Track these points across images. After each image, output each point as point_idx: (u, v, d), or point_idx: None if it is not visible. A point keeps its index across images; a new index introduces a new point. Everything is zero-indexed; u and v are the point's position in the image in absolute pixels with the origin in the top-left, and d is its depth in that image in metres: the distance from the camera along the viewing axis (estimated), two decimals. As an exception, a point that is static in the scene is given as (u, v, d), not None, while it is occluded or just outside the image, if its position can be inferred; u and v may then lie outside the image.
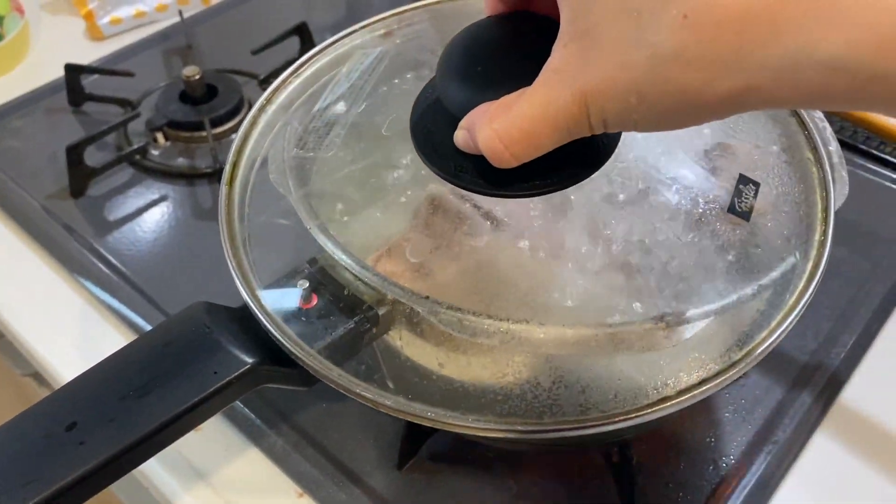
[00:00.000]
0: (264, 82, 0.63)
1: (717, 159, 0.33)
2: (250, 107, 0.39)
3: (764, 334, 0.29)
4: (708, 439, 0.42)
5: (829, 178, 0.33)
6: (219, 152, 0.58)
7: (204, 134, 0.59)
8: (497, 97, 0.27)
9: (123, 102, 0.63)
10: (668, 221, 0.31)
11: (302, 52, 0.66)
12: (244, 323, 0.32)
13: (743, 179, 0.31)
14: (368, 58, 0.38)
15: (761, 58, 0.20)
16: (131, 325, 0.48)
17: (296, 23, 0.66)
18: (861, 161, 0.56)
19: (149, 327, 0.47)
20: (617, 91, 0.22)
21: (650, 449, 0.41)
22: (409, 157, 0.32)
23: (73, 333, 0.48)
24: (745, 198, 0.31)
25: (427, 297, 0.31)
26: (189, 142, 0.60)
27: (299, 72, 0.40)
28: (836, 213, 0.36)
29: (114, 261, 0.52)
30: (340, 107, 0.36)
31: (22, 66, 0.70)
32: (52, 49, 0.72)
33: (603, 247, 0.31)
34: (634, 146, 0.33)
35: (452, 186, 0.29)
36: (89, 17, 0.71)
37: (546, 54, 0.27)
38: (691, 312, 0.29)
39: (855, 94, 0.21)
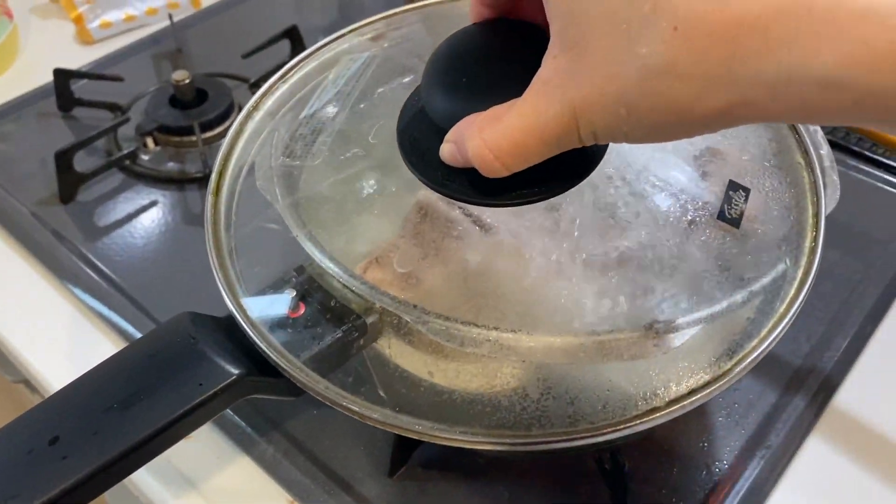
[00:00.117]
0: (255, 86, 0.63)
1: (707, 165, 0.33)
2: (240, 110, 0.39)
3: (754, 342, 0.29)
4: (701, 444, 0.42)
5: (820, 182, 0.33)
6: (208, 157, 0.57)
7: (194, 138, 0.58)
8: (482, 108, 0.26)
9: (113, 107, 0.62)
10: (658, 228, 0.31)
11: (293, 55, 0.66)
12: (231, 333, 0.32)
13: (733, 185, 0.31)
14: (355, 63, 0.37)
15: (753, 72, 0.20)
16: (121, 333, 0.47)
17: (286, 26, 0.66)
18: (854, 162, 0.56)
19: (138, 334, 0.47)
20: (606, 103, 0.22)
21: (643, 454, 0.41)
22: (396, 165, 0.31)
23: (62, 341, 0.48)
24: (735, 204, 0.31)
25: (415, 307, 0.30)
26: (179, 146, 0.59)
27: (286, 77, 0.40)
28: (828, 215, 0.35)
29: (103, 267, 0.52)
30: (327, 114, 0.36)
31: (11, 70, 0.69)
32: (41, 53, 0.71)
33: (592, 254, 0.31)
34: (624, 152, 0.32)
35: None
36: (79, 20, 0.71)
37: (530, 64, 0.27)
38: (681, 320, 0.29)
39: (850, 111, 0.20)
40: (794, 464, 0.41)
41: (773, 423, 0.42)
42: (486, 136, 0.25)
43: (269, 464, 0.41)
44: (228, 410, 0.42)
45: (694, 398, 0.28)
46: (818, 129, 0.37)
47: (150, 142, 0.59)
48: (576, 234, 0.31)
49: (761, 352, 0.29)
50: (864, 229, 0.52)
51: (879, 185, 0.55)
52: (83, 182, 0.56)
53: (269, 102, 0.39)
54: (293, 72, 0.40)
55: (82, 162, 0.57)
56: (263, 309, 0.32)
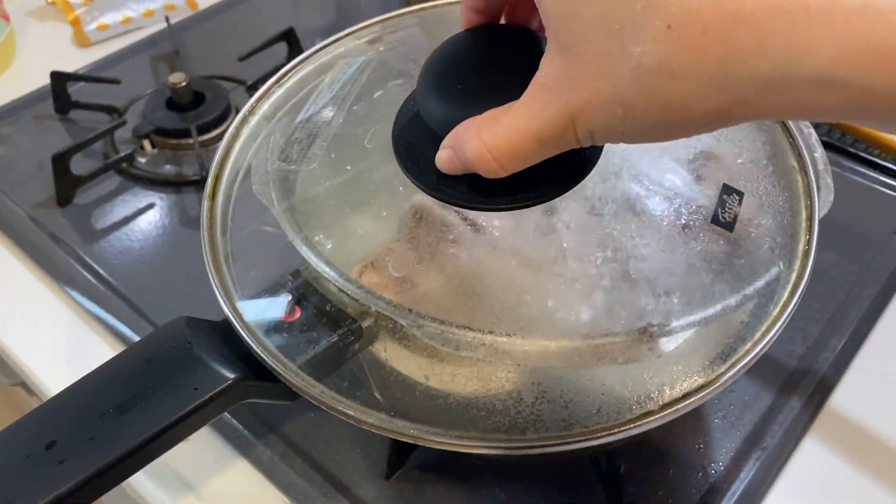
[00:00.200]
0: (252, 88, 0.63)
1: (701, 168, 0.33)
2: (237, 113, 0.39)
3: (748, 346, 0.29)
4: (697, 446, 0.42)
5: (814, 186, 0.33)
6: (205, 159, 0.57)
7: (191, 141, 0.58)
8: (477, 114, 0.27)
9: (110, 109, 0.62)
10: (652, 232, 0.31)
11: (290, 57, 0.66)
12: (227, 337, 0.32)
13: (727, 189, 0.31)
14: (351, 68, 0.38)
15: (748, 71, 0.20)
16: (118, 335, 0.47)
17: (283, 28, 0.66)
18: (850, 164, 0.56)
19: (136, 337, 0.47)
20: (602, 103, 0.22)
21: (639, 456, 0.41)
22: (391, 169, 0.31)
23: (59, 343, 0.48)
24: (729, 208, 0.31)
25: (410, 311, 0.31)
26: (176, 149, 0.59)
27: (282, 81, 0.40)
28: (824, 216, 0.35)
29: (100, 270, 0.52)
30: (323, 118, 0.36)
31: (8, 72, 0.69)
32: (38, 56, 0.71)
33: (586, 258, 0.31)
34: (618, 155, 0.33)
35: None
36: (76, 23, 0.71)
37: (525, 69, 0.27)
38: (675, 324, 0.29)
39: (847, 108, 0.20)
40: (789, 465, 0.41)
41: (768, 425, 0.42)
42: (485, 138, 0.25)
43: (266, 467, 0.41)
44: (226, 413, 0.42)
45: (687, 402, 0.28)
46: (812, 131, 0.37)
47: (146, 144, 0.59)
48: (570, 237, 0.31)
49: (755, 355, 0.29)
50: (860, 230, 0.52)
51: (875, 186, 0.55)
52: (80, 185, 0.56)
53: (266, 106, 0.39)
54: (289, 76, 0.40)
55: (79, 165, 0.57)
56: (259, 313, 0.32)
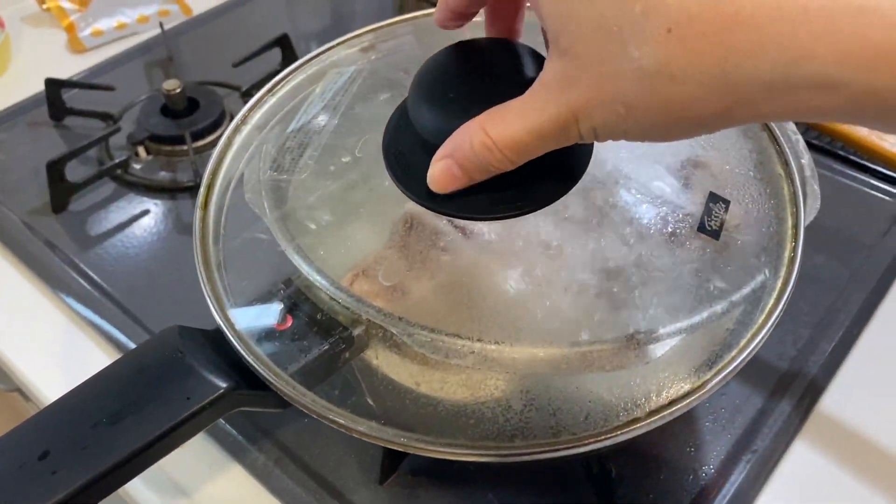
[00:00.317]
0: (246, 94, 0.63)
1: (689, 175, 0.34)
2: (232, 119, 0.39)
3: (734, 353, 0.29)
4: (688, 449, 0.42)
5: (800, 193, 0.33)
6: (199, 166, 0.58)
7: (185, 147, 0.59)
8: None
9: (105, 116, 0.63)
10: (640, 240, 0.31)
11: (283, 63, 0.66)
12: (219, 346, 0.32)
13: (713, 197, 0.32)
14: (342, 77, 0.38)
15: (748, 73, 0.20)
16: (113, 342, 0.48)
17: (277, 34, 0.66)
18: (840, 167, 0.57)
19: (131, 344, 0.47)
20: (605, 101, 0.22)
21: (631, 459, 0.41)
22: (382, 178, 0.32)
23: (55, 350, 0.48)
24: (715, 216, 0.31)
25: (401, 319, 0.31)
26: (171, 155, 0.60)
27: (275, 90, 0.40)
28: (814, 221, 0.36)
29: (95, 277, 0.52)
30: (314, 127, 0.36)
31: (3, 79, 0.70)
32: (33, 62, 0.71)
33: (575, 266, 0.31)
34: (607, 163, 0.33)
35: None
36: (71, 29, 0.71)
37: (514, 79, 0.28)
38: (661, 331, 0.29)
39: (848, 109, 0.20)
40: (779, 468, 0.41)
41: (759, 428, 0.42)
42: (490, 132, 0.25)
43: (260, 472, 0.41)
44: (220, 419, 0.42)
45: (673, 409, 0.28)
46: (800, 137, 0.38)
47: (141, 151, 0.59)
48: (558, 246, 0.31)
49: (740, 362, 0.29)
50: (849, 234, 0.53)
51: (865, 189, 0.55)
52: (75, 192, 0.57)
53: (258, 115, 0.40)
54: (281, 84, 0.41)
55: (74, 171, 0.57)
56: (251, 322, 0.33)
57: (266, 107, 0.40)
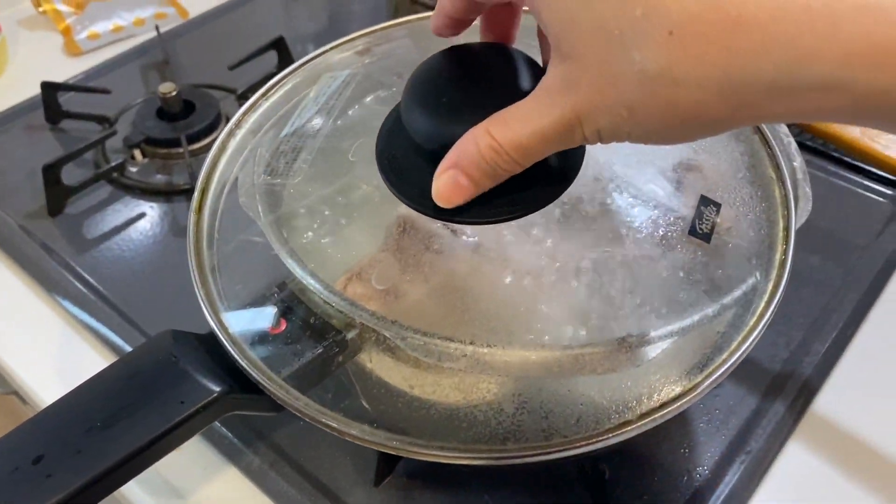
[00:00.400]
0: (242, 97, 0.63)
1: (681, 179, 0.34)
2: (227, 121, 0.39)
3: (725, 355, 0.30)
4: (682, 450, 0.42)
5: (791, 196, 0.33)
6: (196, 169, 0.58)
7: (181, 150, 0.59)
8: (461, 126, 0.27)
9: (101, 119, 0.63)
10: (632, 243, 0.31)
11: (279, 66, 0.66)
12: (212, 350, 0.32)
13: (704, 201, 0.32)
14: (336, 81, 0.38)
15: (751, 75, 0.20)
16: (109, 345, 0.48)
17: (273, 37, 0.66)
18: (834, 168, 0.57)
19: (127, 347, 0.47)
20: (608, 105, 0.22)
21: (625, 461, 0.41)
22: (376, 182, 0.32)
23: (51, 353, 0.48)
24: (707, 219, 0.31)
25: (394, 322, 0.31)
26: (167, 158, 0.60)
27: (268, 94, 0.40)
28: (809, 221, 0.36)
29: (92, 280, 0.52)
30: (307, 131, 0.36)
31: (-1, 82, 0.70)
32: (29, 65, 0.71)
33: (567, 268, 0.31)
34: (598, 167, 0.33)
35: None
36: (67, 32, 0.71)
37: (507, 84, 0.28)
38: (653, 334, 0.30)
39: (854, 111, 0.20)
40: (773, 469, 0.41)
41: (753, 429, 0.43)
42: (497, 137, 0.25)
43: (255, 474, 0.42)
44: (216, 422, 0.42)
45: (664, 411, 0.28)
46: (792, 140, 0.38)
47: (137, 154, 0.60)
48: (551, 249, 0.31)
49: (731, 365, 0.29)
50: (843, 235, 0.53)
51: (859, 190, 0.56)
52: (71, 195, 0.57)
53: (252, 119, 0.40)
54: (275, 88, 0.41)
55: (70, 174, 0.57)
56: (245, 325, 0.33)
57: (260, 111, 0.40)
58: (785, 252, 0.32)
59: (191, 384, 0.30)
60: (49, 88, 0.62)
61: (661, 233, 0.31)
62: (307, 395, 0.31)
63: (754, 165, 0.35)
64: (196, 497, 0.41)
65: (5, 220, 0.56)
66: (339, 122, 0.37)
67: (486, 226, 0.33)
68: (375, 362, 0.34)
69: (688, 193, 0.33)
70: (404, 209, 0.34)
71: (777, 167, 0.34)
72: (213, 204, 0.37)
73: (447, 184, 0.28)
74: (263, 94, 0.40)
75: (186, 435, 0.30)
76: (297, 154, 0.36)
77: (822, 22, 0.19)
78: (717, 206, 0.32)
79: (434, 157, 0.29)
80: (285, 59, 0.67)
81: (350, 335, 0.32)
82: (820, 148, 0.57)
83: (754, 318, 0.30)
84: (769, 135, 0.36)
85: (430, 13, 0.45)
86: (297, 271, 0.33)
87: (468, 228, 0.33)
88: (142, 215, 0.57)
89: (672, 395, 0.28)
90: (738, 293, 0.31)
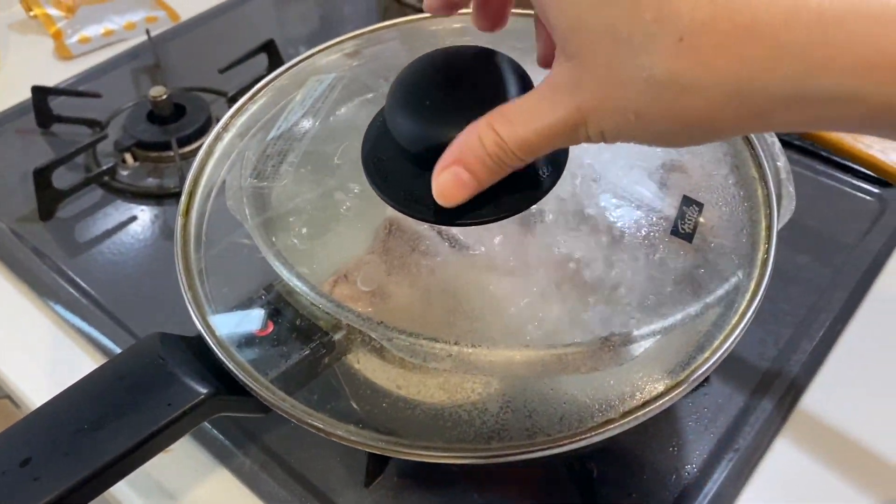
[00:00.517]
0: (232, 100, 0.64)
1: (665, 179, 0.34)
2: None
3: (707, 354, 0.30)
4: (670, 448, 0.42)
5: (773, 196, 0.34)
6: (186, 172, 0.57)
7: (171, 154, 0.59)
8: (444, 129, 0.27)
9: (92, 123, 0.63)
10: (616, 243, 0.32)
11: (270, 69, 0.66)
12: (200, 353, 0.32)
13: (686, 201, 0.32)
14: (322, 84, 0.38)
15: (762, 84, 0.19)
16: (100, 348, 0.48)
17: (264, 40, 0.66)
18: (822, 167, 0.57)
19: (118, 350, 0.47)
20: (615, 108, 0.22)
21: (613, 459, 0.41)
22: (361, 185, 0.32)
23: (43, 357, 0.49)
24: (689, 219, 0.32)
25: (380, 323, 0.31)
26: (157, 162, 0.60)
27: (256, 97, 0.40)
28: (796, 219, 0.36)
29: (83, 283, 0.52)
30: (294, 135, 0.37)
31: (-10, 86, 0.70)
32: (20, 69, 0.71)
33: (551, 268, 0.31)
34: (583, 167, 0.33)
35: None
36: (58, 36, 0.71)
37: (491, 86, 0.28)
38: (636, 333, 0.30)
39: (865, 122, 0.20)
40: (761, 466, 0.41)
41: (741, 427, 0.43)
42: (501, 133, 0.25)
43: (246, 476, 0.42)
44: (206, 423, 0.42)
45: (647, 409, 0.28)
46: (776, 140, 0.38)
47: (128, 157, 0.60)
48: (535, 249, 0.32)
49: (713, 363, 0.30)
50: (831, 234, 0.53)
51: (847, 189, 0.56)
52: (62, 199, 0.57)
53: (240, 122, 0.40)
54: (262, 92, 0.41)
55: (61, 178, 0.57)
56: (232, 328, 0.33)
57: (248, 114, 0.40)
58: (767, 251, 0.32)
59: (178, 386, 0.30)
60: (40, 92, 0.63)
61: (645, 233, 0.32)
62: (294, 396, 0.31)
63: (738, 165, 0.35)
64: (187, 498, 0.41)
65: (-4, 224, 0.56)
66: (325, 125, 0.37)
67: (472, 227, 0.33)
68: (362, 363, 0.34)
69: (671, 193, 0.33)
70: (392, 211, 0.34)
71: (760, 167, 0.35)
72: (201, 207, 0.37)
73: (449, 180, 0.27)
74: (251, 98, 0.41)
75: (174, 436, 0.30)
76: (283, 157, 0.36)
77: (834, 31, 0.19)
78: (700, 205, 0.32)
79: (418, 159, 0.29)
80: (275, 61, 0.67)
81: (337, 336, 0.33)
82: (808, 147, 0.57)
83: (737, 317, 0.30)
84: (753, 135, 0.36)
85: (417, 15, 0.45)
86: (284, 273, 0.33)
87: (454, 230, 0.33)
88: (133, 219, 0.57)
89: (655, 393, 0.29)
90: (720, 292, 0.31)
